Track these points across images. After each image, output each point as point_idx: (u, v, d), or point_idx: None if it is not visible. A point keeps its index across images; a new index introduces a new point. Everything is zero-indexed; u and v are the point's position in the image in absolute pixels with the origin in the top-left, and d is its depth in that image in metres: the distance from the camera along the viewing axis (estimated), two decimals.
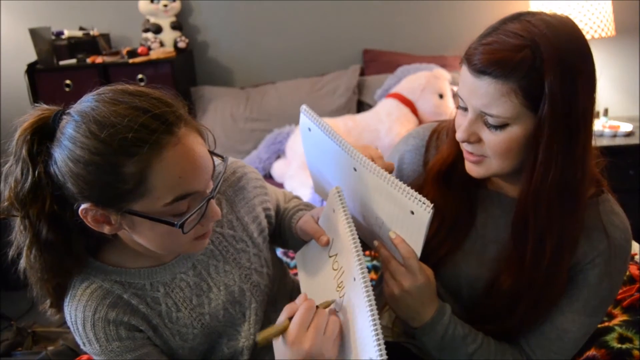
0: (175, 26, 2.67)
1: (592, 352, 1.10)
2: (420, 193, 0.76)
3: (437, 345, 0.88)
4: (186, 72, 2.74)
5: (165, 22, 2.65)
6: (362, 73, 2.71)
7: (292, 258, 1.67)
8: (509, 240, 0.89)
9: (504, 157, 0.82)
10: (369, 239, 0.92)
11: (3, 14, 2.71)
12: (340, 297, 0.81)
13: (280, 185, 2.29)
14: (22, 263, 0.79)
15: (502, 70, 0.75)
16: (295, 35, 2.80)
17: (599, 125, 2.49)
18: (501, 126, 0.79)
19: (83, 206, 0.73)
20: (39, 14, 2.71)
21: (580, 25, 2.29)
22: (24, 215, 0.75)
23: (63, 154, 0.71)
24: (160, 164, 0.70)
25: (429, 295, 0.86)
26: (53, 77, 2.48)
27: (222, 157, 0.81)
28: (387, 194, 0.80)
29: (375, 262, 1.56)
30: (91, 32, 2.62)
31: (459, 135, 0.84)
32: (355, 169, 0.84)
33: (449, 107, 2.35)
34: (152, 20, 2.64)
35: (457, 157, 0.91)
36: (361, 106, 2.62)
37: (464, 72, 0.81)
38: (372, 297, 0.73)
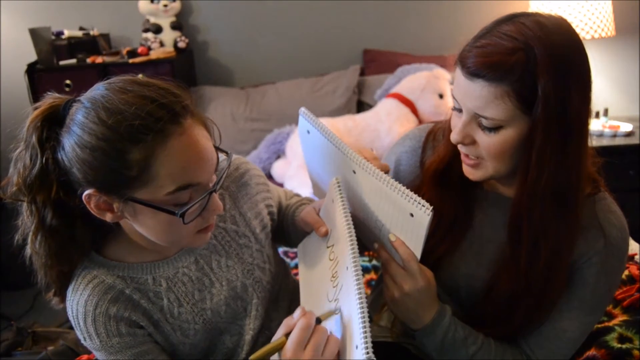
0: (175, 26, 2.67)
1: (592, 352, 1.10)
2: (417, 194, 0.76)
3: (437, 347, 0.88)
4: (186, 72, 2.74)
5: (165, 22, 2.64)
6: (362, 73, 2.71)
7: (293, 258, 1.67)
8: (505, 241, 0.89)
9: (499, 160, 0.83)
10: (369, 240, 0.92)
11: (3, 14, 2.71)
12: (334, 287, 0.81)
13: (281, 185, 2.28)
14: (28, 248, 0.81)
15: (496, 73, 0.75)
16: (295, 35, 2.80)
17: (599, 125, 2.50)
18: (495, 128, 0.80)
19: (87, 192, 0.74)
20: (39, 14, 2.71)
21: (581, 25, 2.31)
22: (31, 201, 0.77)
23: (71, 140, 0.72)
24: (165, 153, 0.71)
25: (430, 298, 0.86)
26: (53, 77, 2.47)
27: (226, 152, 0.82)
28: (386, 196, 0.80)
29: (375, 262, 1.56)
30: (91, 32, 2.62)
31: (453, 137, 0.84)
32: (354, 172, 0.84)
33: (449, 107, 2.35)
34: (152, 20, 2.64)
35: (454, 157, 0.91)
36: (361, 106, 2.62)
37: (458, 74, 0.81)
38: (362, 286, 0.73)
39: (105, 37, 2.69)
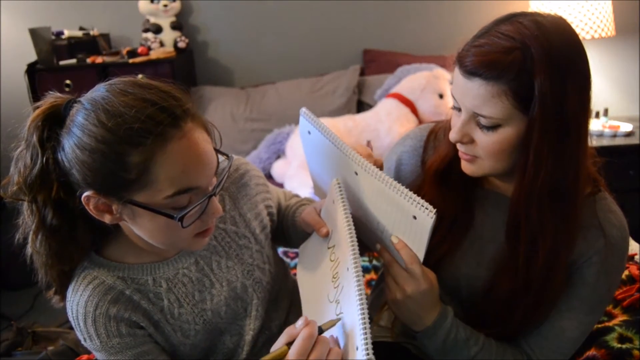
0: (175, 26, 2.67)
1: (592, 352, 1.10)
2: (418, 194, 0.76)
3: (439, 349, 0.88)
4: (186, 72, 2.74)
5: (165, 22, 2.64)
6: (362, 73, 2.71)
7: (293, 258, 1.67)
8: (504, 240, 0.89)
9: (496, 158, 0.83)
10: (371, 242, 0.92)
11: (3, 14, 2.71)
12: (335, 288, 0.81)
13: (281, 185, 2.29)
14: (29, 248, 0.81)
15: (493, 72, 0.76)
16: (295, 35, 2.80)
17: (599, 125, 2.50)
18: (493, 127, 0.80)
19: (86, 193, 0.74)
20: (39, 14, 2.71)
21: (581, 25, 2.31)
22: (31, 200, 0.77)
23: (71, 141, 0.72)
24: (164, 156, 0.71)
25: (432, 300, 0.85)
26: (53, 77, 2.47)
27: (227, 155, 0.82)
28: (389, 198, 0.80)
29: (375, 262, 1.56)
30: (91, 32, 2.62)
31: (452, 136, 0.85)
32: (356, 173, 0.84)
33: (449, 107, 2.35)
34: (152, 20, 2.64)
35: (455, 156, 0.91)
36: (361, 106, 2.62)
37: (456, 73, 0.81)
38: (363, 288, 0.73)
39: (105, 37, 2.69)
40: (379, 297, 1.13)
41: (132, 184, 0.71)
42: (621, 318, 1.21)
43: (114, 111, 0.70)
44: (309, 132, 0.91)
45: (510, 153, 0.82)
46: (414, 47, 2.75)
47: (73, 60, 2.51)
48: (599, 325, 1.17)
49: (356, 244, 0.78)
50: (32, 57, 2.50)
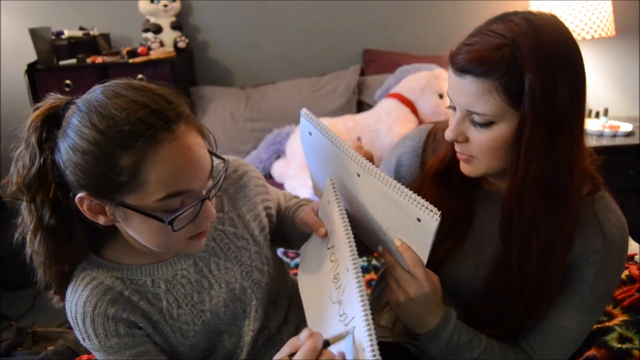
0: (175, 26, 2.67)
1: (592, 352, 1.10)
2: (418, 195, 0.76)
3: (442, 351, 0.87)
4: (186, 72, 2.74)
5: (165, 22, 2.64)
6: (362, 73, 2.71)
7: (293, 258, 1.67)
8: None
9: (492, 156, 0.83)
10: (374, 244, 0.91)
11: (3, 14, 2.71)
12: (337, 289, 0.80)
13: (280, 185, 2.29)
14: (28, 248, 0.81)
15: (483, 68, 0.77)
16: (295, 35, 2.80)
17: (599, 125, 2.49)
18: (487, 124, 0.81)
19: (79, 195, 0.74)
20: (39, 14, 2.71)
21: (581, 25, 2.31)
22: (30, 200, 0.77)
23: (65, 143, 0.73)
24: (155, 159, 0.70)
25: (435, 303, 0.84)
26: (53, 77, 2.47)
27: (223, 159, 0.81)
28: (392, 200, 0.79)
29: (375, 262, 1.56)
30: (91, 32, 2.62)
31: (447, 135, 0.85)
32: (358, 175, 0.83)
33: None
34: (152, 20, 2.64)
35: (453, 157, 0.91)
36: (361, 106, 2.62)
37: (450, 72, 0.82)
38: (364, 288, 0.72)
39: (105, 37, 2.69)
40: (379, 297, 1.13)
41: (123, 186, 0.71)
42: (621, 318, 1.21)
43: (106, 113, 0.70)
44: (310, 133, 0.91)
45: (505, 150, 0.82)
46: (414, 47, 2.75)
47: (73, 60, 2.51)
48: (599, 325, 1.17)
49: (354, 244, 0.78)
50: (32, 57, 2.50)
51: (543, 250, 0.84)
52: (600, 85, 2.70)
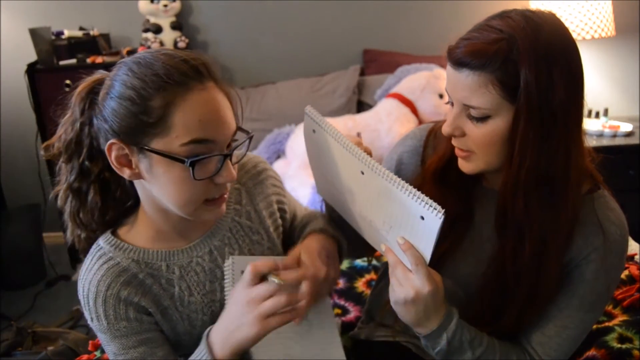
0: (175, 26, 2.67)
1: (592, 352, 1.10)
2: None
3: (443, 351, 0.87)
4: None
5: (165, 22, 2.64)
6: (362, 73, 2.71)
7: None
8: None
9: (488, 151, 0.84)
10: (376, 242, 0.91)
11: (3, 14, 2.71)
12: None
13: None
14: (59, 202, 0.89)
15: (479, 60, 0.78)
16: (295, 35, 2.80)
17: (599, 125, 2.49)
18: (483, 118, 0.81)
19: (110, 141, 0.78)
20: (39, 14, 2.71)
21: (581, 25, 2.31)
22: (65, 161, 0.86)
23: (108, 96, 0.79)
24: (184, 103, 0.75)
25: (437, 302, 0.83)
26: (53, 77, 2.47)
27: (247, 131, 0.86)
28: (396, 198, 0.79)
29: (375, 262, 1.56)
30: (91, 32, 2.62)
31: (444, 129, 0.86)
32: (362, 172, 0.83)
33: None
34: (152, 20, 2.64)
35: (453, 155, 0.91)
36: (361, 106, 2.62)
37: (447, 66, 0.83)
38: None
39: (105, 37, 2.69)
40: (379, 297, 1.13)
41: (150, 127, 0.75)
42: (621, 318, 1.21)
43: (144, 62, 0.77)
44: (314, 131, 0.91)
45: (502, 145, 0.82)
46: (414, 47, 2.75)
47: (73, 60, 2.51)
48: (599, 325, 1.17)
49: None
50: (32, 57, 2.50)
51: (537, 245, 0.84)
52: (600, 85, 2.70)
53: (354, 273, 1.54)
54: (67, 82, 2.46)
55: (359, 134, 0.95)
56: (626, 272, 1.32)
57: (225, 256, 0.93)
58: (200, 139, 0.76)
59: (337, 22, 2.77)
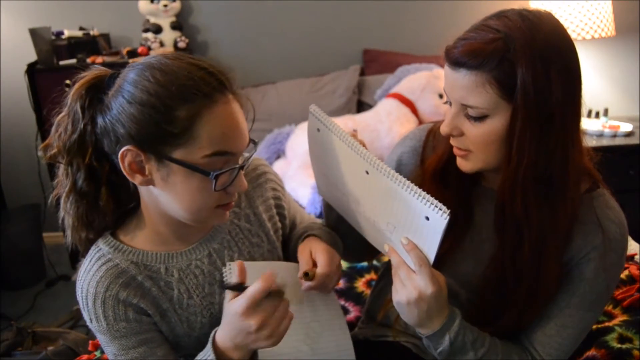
0: (175, 26, 2.67)
1: (592, 352, 1.10)
2: None
3: (445, 352, 0.86)
4: None
5: (165, 22, 2.65)
6: (362, 73, 2.71)
7: None
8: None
9: (486, 150, 0.84)
10: (380, 243, 0.91)
11: (3, 14, 2.71)
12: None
13: None
14: (61, 209, 0.87)
15: (476, 60, 0.78)
16: (296, 35, 2.80)
17: (599, 125, 2.49)
18: (481, 118, 0.81)
19: (126, 147, 0.77)
20: (39, 14, 2.71)
21: (581, 25, 2.31)
22: (68, 163, 0.83)
23: (120, 98, 0.76)
24: (210, 116, 0.75)
25: (440, 303, 0.83)
26: (53, 77, 2.47)
27: (254, 141, 0.86)
28: (400, 198, 0.79)
29: (375, 262, 1.56)
30: (91, 32, 2.62)
31: (442, 129, 0.86)
32: (367, 172, 0.83)
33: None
34: (152, 20, 2.64)
35: (452, 154, 0.91)
36: (361, 106, 2.62)
37: (445, 66, 0.84)
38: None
39: (105, 37, 2.69)
40: (379, 297, 1.13)
41: (173, 138, 0.75)
42: (621, 318, 1.21)
43: (168, 70, 0.76)
44: (318, 130, 0.91)
45: (500, 145, 0.83)
46: (414, 47, 2.75)
47: (73, 60, 2.51)
48: (599, 325, 1.18)
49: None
50: (32, 57, 2.50)
51: (536, 244, 0.84)
52: (600, 85, 2.70)
53: (354, 273, 1.54)
54: (67, 82, 2.46)
55: (355, 131, 0.95)
56: (626, 272, 1.32)
57: (225, 259, 0.93)
58: (223, 151, 0.77)
59: (337, 22, 2.77)
